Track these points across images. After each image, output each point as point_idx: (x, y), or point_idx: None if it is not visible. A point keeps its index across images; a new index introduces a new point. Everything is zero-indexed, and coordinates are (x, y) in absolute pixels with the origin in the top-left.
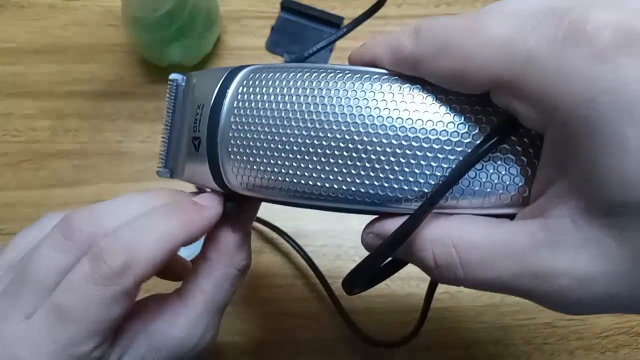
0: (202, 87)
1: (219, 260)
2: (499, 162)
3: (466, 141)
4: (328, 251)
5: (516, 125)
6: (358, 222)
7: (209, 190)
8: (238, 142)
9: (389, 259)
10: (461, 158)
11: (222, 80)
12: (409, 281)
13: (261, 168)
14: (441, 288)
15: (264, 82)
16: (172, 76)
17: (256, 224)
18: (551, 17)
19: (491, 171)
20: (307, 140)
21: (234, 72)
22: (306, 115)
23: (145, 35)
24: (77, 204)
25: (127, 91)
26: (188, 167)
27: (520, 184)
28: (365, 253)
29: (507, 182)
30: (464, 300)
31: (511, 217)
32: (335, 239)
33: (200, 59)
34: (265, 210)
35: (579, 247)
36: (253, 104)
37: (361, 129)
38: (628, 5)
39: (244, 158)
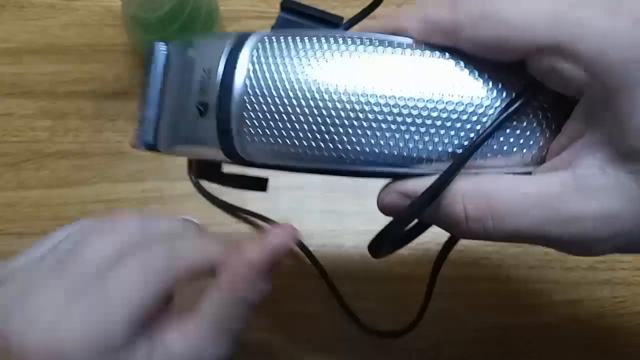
0: (206, 51)
1: (234, 283)
2: (524, 124)
3: (495, 105)
4: (328, 251)
5: (538, 90)
6: (359, 222)
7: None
8: (256, 107)
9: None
10: (490, 121)
11: (231, 44)
12: (409, 281)
13: (283, 133)
14: (441, 288)
15: (283, 45)
16: (151, 43)
17: (258, 222)
18: None
19: (517, 132)
20: (331, 105)
21: (243, 36)
22: (333, 83)
23: (145, 35)
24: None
25: (127, 91)
26: (186, 135)
27: (540, 144)
28: (366, 251)
29: (531, 142)
30: (465, 300)
31: (527, 174)
32: (336, 239)
33: None
34: (267, 209)
35: (605, 192)
36: (273, 67)
37: (395, 94)
38: None
39: (263, 124)
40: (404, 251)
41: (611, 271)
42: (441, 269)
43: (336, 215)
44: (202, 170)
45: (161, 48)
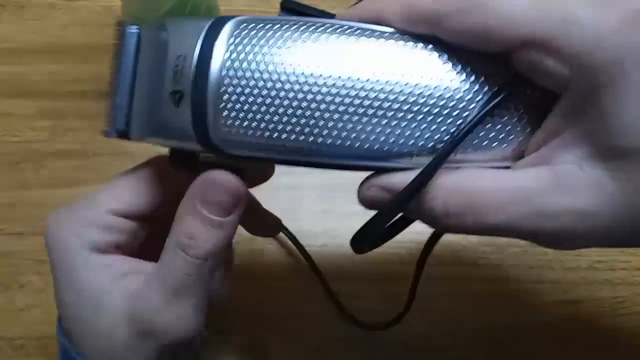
0: (180, 37)
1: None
2: (505, 119)
3: (477, 99)
4: (329, 251)
5: (520, 84)
6: (359, 222)
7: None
8: (233, 97)
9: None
10: (472, 114)
11: (206, 30)
12: (409, 281)
13: (260, 126)
14: (441, 288)
15: (260, 33)
16: (121, 24)
17: None
18: None
19: (498, 127)
20: (310, 97)
21: (219, 22)
22: (313, 72)
23: None
24: None
25: None
26: (159, 125)
27: (520, 139)
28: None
29: (511, 137)
30: (464, 300)
31: (506, 169)
32: (336, 239)
33: None
34: (267, 209)
35: (583, 188)
36: (250, 57)
37: (376, 86)
38: None
39: (239, 115)
40: (403, 251)
41: (611, 271)
42: (441, 270)
43: (336, 215)
44: (178, 159)
45: (132, 31)
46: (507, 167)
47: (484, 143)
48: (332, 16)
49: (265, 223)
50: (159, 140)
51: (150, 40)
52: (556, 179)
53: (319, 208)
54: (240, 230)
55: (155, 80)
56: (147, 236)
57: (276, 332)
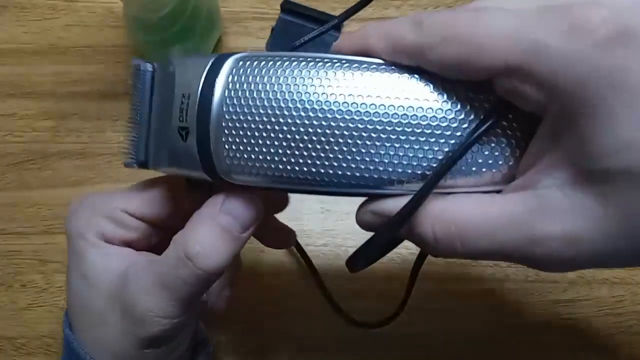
0: (185, 75)
1: (175, 241)
2: (493, 145)
3: (464, 126)
4: (329, 251)
5: (507, 109)
6: None
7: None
8: (233, 132)
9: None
10: (459, 141)
11: (207, 69)
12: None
13: (259, 157)
14: (440, 288)
15: (256, 70)
16: (137, 62)
17: None
18: (553, 14)
19: (486, 153)
20: (303, 129)
21: (220, 60)
22: (305, 105)
23: (146, 36)
24: None
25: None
26: (171, 157)
27: (509, 163)
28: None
29: (500, 162)
30: (463, 300)
31: (498, 192)
32: (336, 239)
33: None
34: None
35: (567, 213)
36: (247, 93)
37: (364, 117)
38: (620, 3)
39: (240, 147)
40: (404, 251)
41: (609, 270)
42: (440, 269)
43: (336, 215)
44: (193, 183)
45: (148, 68)
46: (499, 191)
47: (473, 169)
48: (332, 17)
49: (279, 236)
50: (172, 170)
51: (162, 79)
52: (540, 204)
53: (319, 207)
54: None
55: (165, 116)
56: (161, 241)
57: (275, 331)
